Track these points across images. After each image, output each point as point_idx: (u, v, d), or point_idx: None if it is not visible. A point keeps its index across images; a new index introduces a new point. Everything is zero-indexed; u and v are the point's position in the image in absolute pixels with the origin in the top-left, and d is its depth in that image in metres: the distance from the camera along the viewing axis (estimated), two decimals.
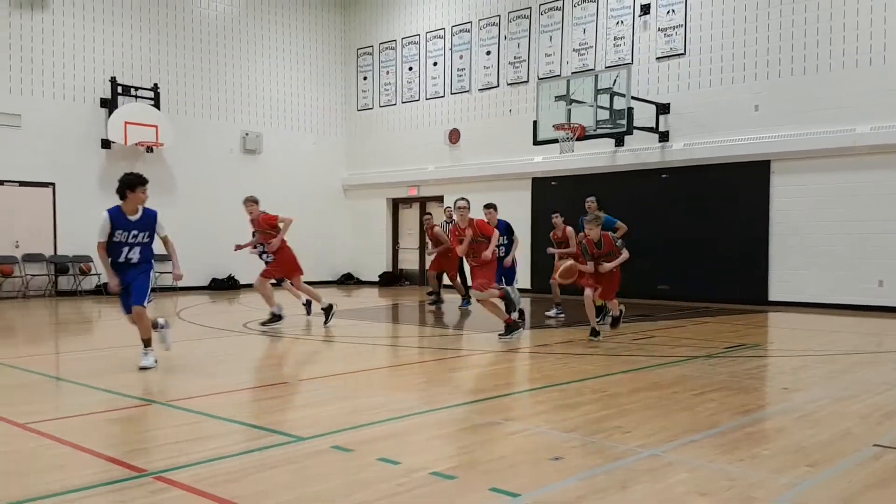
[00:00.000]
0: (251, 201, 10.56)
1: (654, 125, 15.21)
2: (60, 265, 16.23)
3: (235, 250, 10.83)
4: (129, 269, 6.87)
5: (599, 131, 14.74)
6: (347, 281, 21.21)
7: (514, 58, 17.86)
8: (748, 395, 6.10)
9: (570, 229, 11.33)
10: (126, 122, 16.81)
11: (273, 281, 10.67)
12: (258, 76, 19.78)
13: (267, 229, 10.37)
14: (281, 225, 10.32)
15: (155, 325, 7.24)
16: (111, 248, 6.85)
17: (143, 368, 6.87)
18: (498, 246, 10.36)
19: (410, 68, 20.09)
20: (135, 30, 17.61)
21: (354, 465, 4.08)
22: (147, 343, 7.03)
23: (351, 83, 21.57)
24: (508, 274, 10.63)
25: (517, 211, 16.63)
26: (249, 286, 18.73)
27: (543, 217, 16.92)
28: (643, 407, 5.51)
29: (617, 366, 7.27)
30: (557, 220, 11.67)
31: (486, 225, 9.31)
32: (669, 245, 15.26)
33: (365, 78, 21.25)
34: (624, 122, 14.49)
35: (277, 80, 20.18)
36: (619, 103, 14.57)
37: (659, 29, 15.57)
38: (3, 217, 15.58)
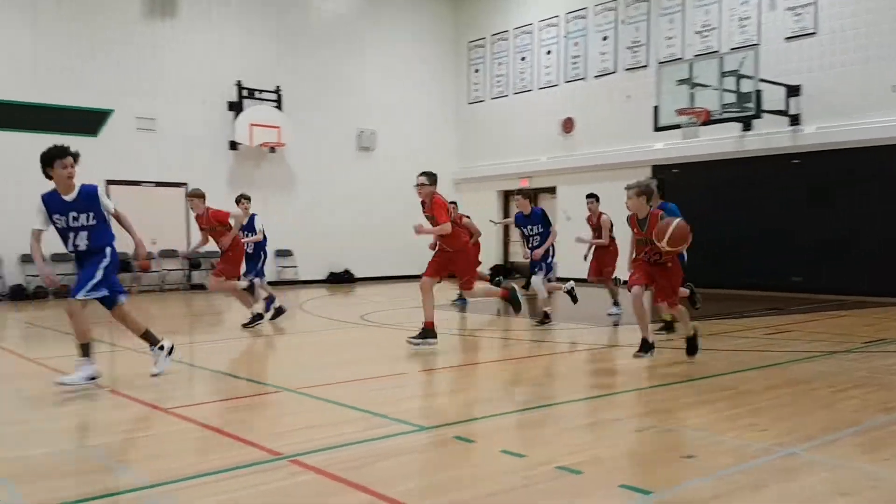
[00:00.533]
0: (194, 196, 9.39)
1: (784, 108, 14.43)
2: (193, 260, 17.15)
3: (185, 257, 9.59)
4: (82, 260, 5.92)
5: (725, 115, 14.13)
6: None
7: (632, 42, 17.40)
8: (891, 392, 5.69)
9: (605, 217, 10.77)
10: (251, 124, 17.58)
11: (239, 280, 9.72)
12: (371, 74, 20.18)
13: (216, 226, 9.41)
14: (232, 221, 9.44)
15: (154, 342, 6.40)
16: (60, 236, 5.92)
17: (60, 383, 5.80)
18: (531, 236, 9.94)
19: (523, 58, 19.96)
20: (257, 34, 18.36)
21: (478, 456, 4.11)
22: (83, 350, 5.91)
23: (462, 76, 21.66)
24: (544, 264, 9.76)
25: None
26: (365, 279, 19.27)
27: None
28: (778, 404, 5.24)
29: (748, 361, 6.95)
30: (593, 205, 10.86)
31: (440, 208, 8.06)
32: (801, 234, 14.46)
33: (476, 70, 21.29)
34: (751, 105, 13.82)
35: (390, 77, 20.52)
36: (746, 86, 13.91)
37: (787, 8, 14.74)
38: (140, 215, 16.41)
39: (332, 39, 19.53)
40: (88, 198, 5.83)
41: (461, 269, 8.14)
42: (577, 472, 3.72)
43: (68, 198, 5.80)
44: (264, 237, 10.44)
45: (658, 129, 15.05)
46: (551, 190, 19.07)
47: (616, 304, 10.76)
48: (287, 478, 3.70)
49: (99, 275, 5.84)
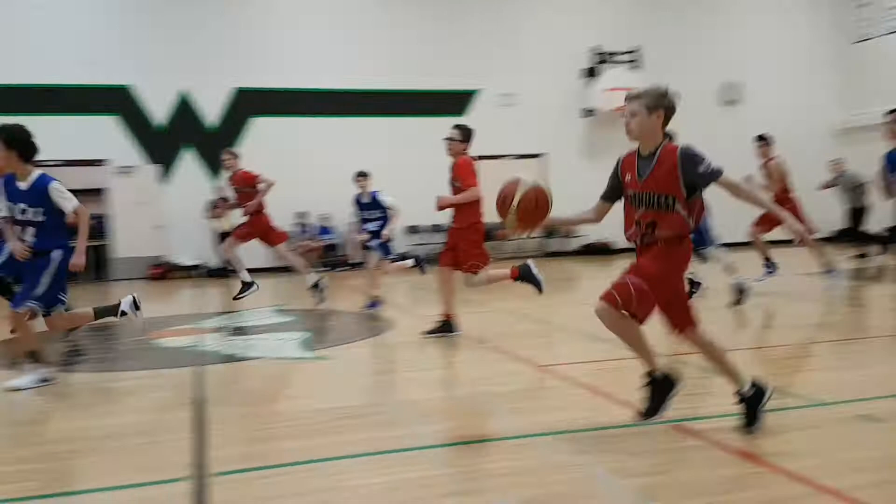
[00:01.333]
0: (229, 154, 9.10)
1: None
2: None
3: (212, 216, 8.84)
4: (28, 261, 5.21)
5: None
6: (845, 237, 18.22)
7: None
8: None
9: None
10: (606, 89, 17.47)
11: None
12: (736, 19, 18.61)
13: (243, 187, 8.90)
14: (261, 186, 8.76)
15: (116, 311, 5.71)
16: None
17: (11, 389, 5.14)
18: None
19: None
20: None
21: (891, 438, 3.61)
22: (32, 357, 5.28)
23: (844, 13, 19.02)
24: (702, 231, 7.58)
25: None
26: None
27: None
28: None
29: None
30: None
31: (467, 169, 6.67)
32: None
33: (862, 4, 18.54)
34: None
35: (757, 22, 18.76)
36: None
37: None
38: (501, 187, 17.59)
39: None
40: (39, 192, 5.18)
41: (464, 250, 6.52)
42: None
43: (23, 185, 5.19)
44: (385, 214, 9.31)
45: None
46: None
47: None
48: (672, 442, 3.61)
49: (42, 286, 5.16)
